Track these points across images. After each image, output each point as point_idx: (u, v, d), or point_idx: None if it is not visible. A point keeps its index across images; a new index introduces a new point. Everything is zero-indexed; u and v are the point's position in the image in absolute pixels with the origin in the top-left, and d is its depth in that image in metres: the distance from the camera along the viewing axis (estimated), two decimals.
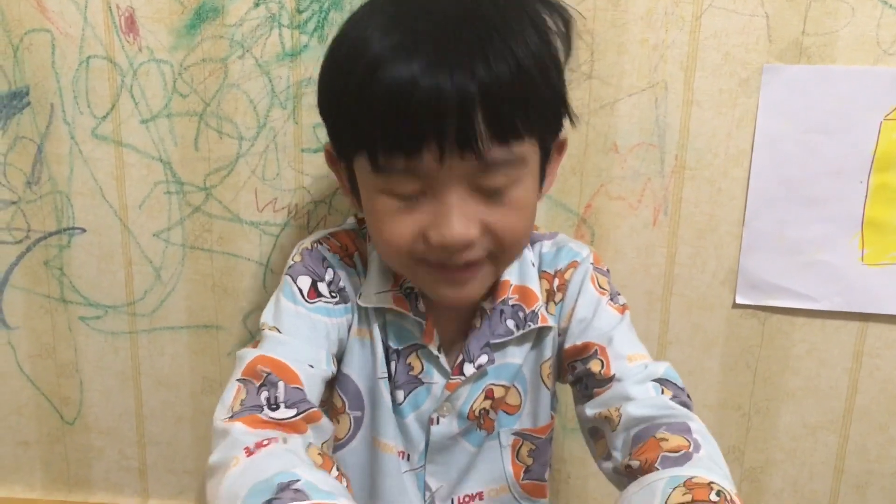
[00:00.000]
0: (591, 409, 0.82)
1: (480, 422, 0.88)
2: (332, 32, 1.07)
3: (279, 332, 0.77)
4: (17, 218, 1.19)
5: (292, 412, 0.71)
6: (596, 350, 0.83)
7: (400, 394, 0.85)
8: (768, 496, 1.22)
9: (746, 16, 1.04)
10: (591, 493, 1.25)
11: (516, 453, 0.91)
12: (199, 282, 1.19)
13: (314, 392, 0.76)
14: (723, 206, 1.10)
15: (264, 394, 0.71)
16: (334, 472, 0.69)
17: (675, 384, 0.81)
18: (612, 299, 0.87)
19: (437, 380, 0.85)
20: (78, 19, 1.10)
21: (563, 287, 0.88)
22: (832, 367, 1.15)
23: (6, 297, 1.22)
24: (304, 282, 0.80)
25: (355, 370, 0.85)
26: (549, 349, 0.88)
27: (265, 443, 0.66)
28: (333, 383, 0.86)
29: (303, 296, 0.79)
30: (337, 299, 0.81)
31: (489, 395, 0.86)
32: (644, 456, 0.73)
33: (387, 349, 0.85)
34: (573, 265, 0.88)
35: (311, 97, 1.10)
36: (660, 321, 1.16)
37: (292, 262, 0.83)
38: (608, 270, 0.91)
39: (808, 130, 1.07)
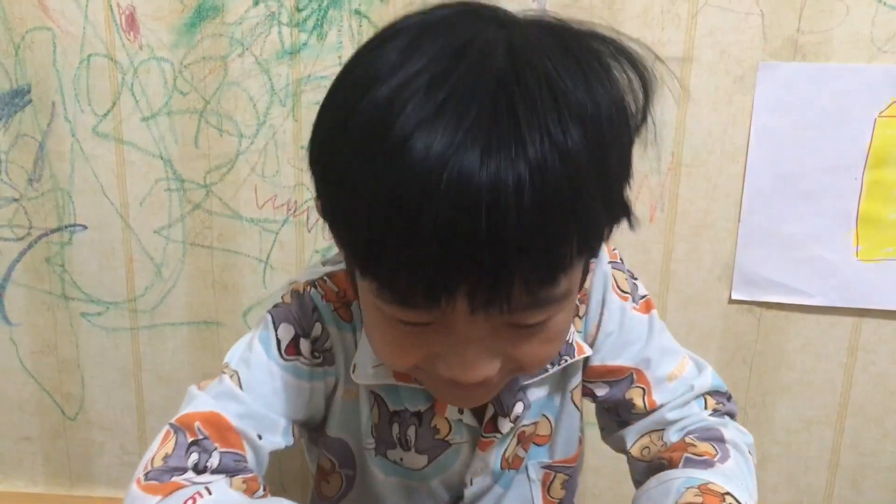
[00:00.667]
0: (631, 439, 0.77)
1: (509, 461, 0.78)
2: (331, 30, 1.08)
3: (240, 384, 0.67)
4: (19, 215, 1.20)
5: (220, 477, 0.63)
6: (632, 375, 0.76)
7: (423, 458, 0.75)
8: (764, 490, 1.23)
9: (742, 14, 1.05)
10: (589, 489, 1.26)
11: (548, 489, 0.82)
12: (199, 278, 1.20)
13: (258, 462, 0.67)
14: (718, 202, 1.11)
15: (193, 456, 0.63)
16: (259, 493, 0.64)
17: (719, 391, 0.78)
18: (634, 301, 0.77)
19: (467, 438, 0.75)
20: (79, 18, 1.11)
21: (586, 298, 0.76)
22: (827, 362, 1.16)
23: (8, 294, 1.24)
24: (286, 332, 0.69)
25: (343, 432, 0.76)
26: (578, 375, 0.78)
27: (189, 498, 0.60)
28: (320, 446, 0.79)
29: (279, 349, 0.69)
30: (320, 360, 0.71)
31: (520, 437, 0.77)
32: (669, 455, 0.72)
33: (394, 413, 0.74)
34: (590, 268, 0.75)
35: (310, 94, 1.11)
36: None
37: (279, 302, 0.71)
38: (622, 259, 0.78)
39: (803, 127, 1.08)
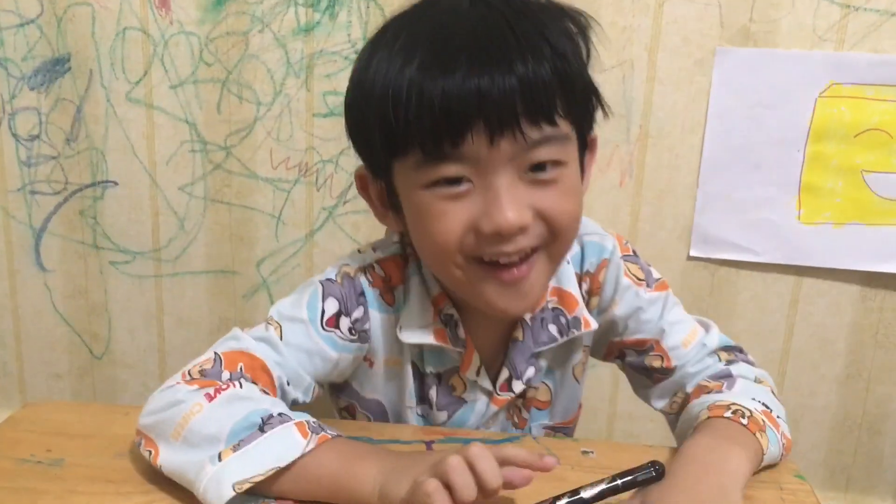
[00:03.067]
0: (658, 402, 0.88)
1: (515, 420, 0.89)
2: (341, 11, 1.22)
3: (281, 336, 0.77)
4: (57, 171, 1.33)
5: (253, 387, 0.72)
6: (651, 345, 0.86)
7: (443, 414, 0.85)
8: None
9: (702, 4, 1.20)
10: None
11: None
12: (218, 231, 1.35)
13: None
14: (680, 170, 1.27)
15: (226, 374, 0.72)
16: None
17: (729, 346, 0.88)
18: (649, 284, 0.87)
19: (481, 397, 0.85)
20: None
21: (599, 289, 0.86)
22: (771, 313, 1.32)
23: (44, 243, 1.37)
24: (331, 306, 0.79)
25: (381, 394, 0.86)
26: (580, 351, 0.89)
27: (224, 387, 0.69)
28: (355, 405, 0.89)
29: (322, 320, 0.78)
30: (355, 338, 0.80)
31: (522, 394, 0.88)
32: (691, 398, 0.84)
33: (423, 375, 0.84)
34: (603, 265, 0.86)
35: (321, 68, 1.25)
36: None
37: (332, 278, 0.80)
38: (635, 252, 0.89)
39: (753, 105, 1.23)
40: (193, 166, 1.31)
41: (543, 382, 0.88)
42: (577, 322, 0.83)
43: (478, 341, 0.83)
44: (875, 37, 1.19)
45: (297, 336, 0.77)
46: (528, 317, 0.83)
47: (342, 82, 1.25)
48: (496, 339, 0.84)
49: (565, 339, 0.84)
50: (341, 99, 1.26)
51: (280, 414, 0.68)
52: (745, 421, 0.73)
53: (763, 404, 0.77)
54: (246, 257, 1.36)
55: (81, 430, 0.78)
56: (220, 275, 1.37)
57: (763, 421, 0.74)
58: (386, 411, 0.87)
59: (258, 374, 0.74)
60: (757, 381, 0.83)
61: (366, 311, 0.80)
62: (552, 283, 0.83)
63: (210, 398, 0.68)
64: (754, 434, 0.72)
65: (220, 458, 0.65)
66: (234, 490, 0.64)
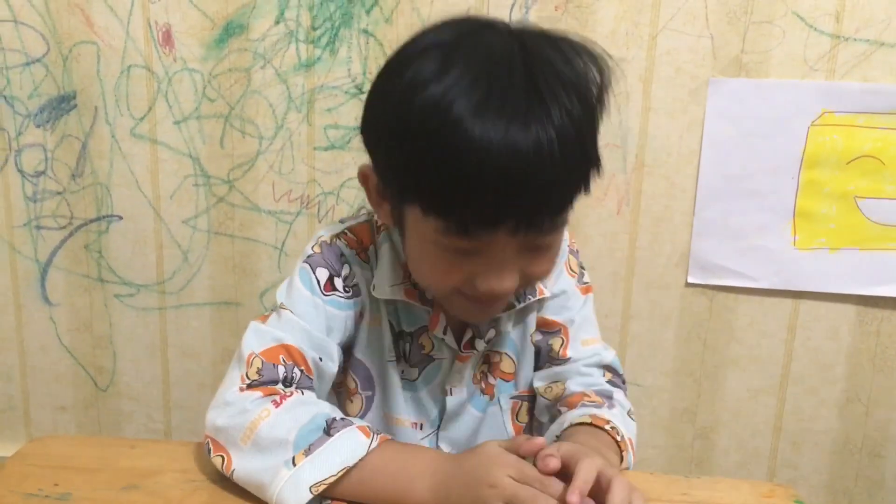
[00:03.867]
0: (538, 381, 0.96)
1: (482, 386, 0.95)
2: (341, 47, 1.25)
3: (296, 316, 0.81)
4: (62, 206, 1.35)
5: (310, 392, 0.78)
6: (560, 329, 0.94)
7: (414, 371, 0.91)
8: (717, 452, 1.40)
9: (695, 36, 1.22)
10: None
11: (515, 415, 0.99)
12: (221, 263, 1.36)
13: (322, 391, 0.82)
14: (676, 198, 1.29)
15: (281, 369, 0.77)
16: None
17: (617, 371, 0.96)
18: (579, 281, 0.96)
19: (447, 355, 0.91)
20: (121, 33, 1.27)
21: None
22: (770, 338, 1.33)
23: (50, 277, 1.39)
24: (323, 274, 0.84)
25: (366, 355, 0.90)
26: (534, 320, 0.95)
27: (288, 394, 0.75)
28: (347, 368, 0.93)
29: (320, 287, 0.83)
30: (350, 294, 0.86)
31: (486, 359, 0.94)
32: (569, 401, 0.91)
33: (399, 333, 0.90)
34: None
35: (322, 102, 1.28)
36: (623, 299, 1.34)
37: (311, 252, 0.86)
38: (577, 250, 0.99)
39: (747, 134, 1.25)
40: (197, 200, 1.33)
41: (507, 355, 0.95)
42: (532, 289, 0.91)
43: (444, 307, 0.89)
44: (865, 66, 1.21)
45: (309, 311, 0.82)
46: None
47: (343, 116, 1.28)
48: None
49: (522, 304, 0.91)
50: (342, 132, 1.31)
51: (342, 418, 0.73)
52: (619, 438, 0.82)
53: (629, 437, 0.86)
54: (249, 289, 1.37)
55: (88, 463, 0.79)
56: (224, 306, 1.38)
57: (627, 446, 0.83)
58: (371, 375, 0.92)
59: (298, 361, 0.79)
60: (629, 414, 0.91)
61: (351, 268, 0.86)
62: None
63: (276, 404, 0.74)
64: (621, 452, 0.82)
65: (294, 463, 0.69)
66: (311, 492, 0.68)
